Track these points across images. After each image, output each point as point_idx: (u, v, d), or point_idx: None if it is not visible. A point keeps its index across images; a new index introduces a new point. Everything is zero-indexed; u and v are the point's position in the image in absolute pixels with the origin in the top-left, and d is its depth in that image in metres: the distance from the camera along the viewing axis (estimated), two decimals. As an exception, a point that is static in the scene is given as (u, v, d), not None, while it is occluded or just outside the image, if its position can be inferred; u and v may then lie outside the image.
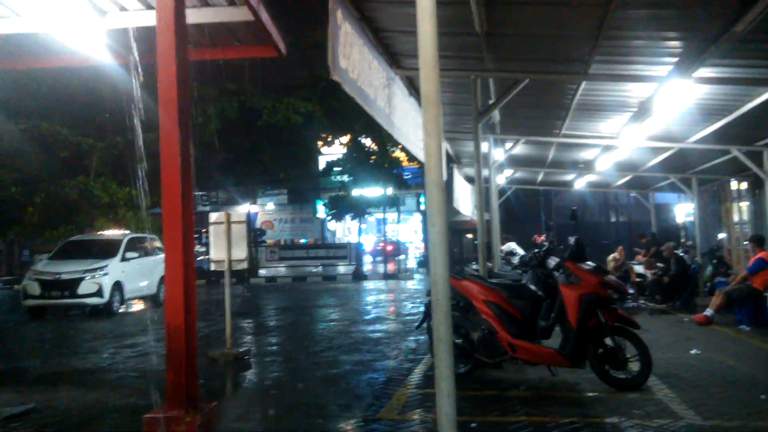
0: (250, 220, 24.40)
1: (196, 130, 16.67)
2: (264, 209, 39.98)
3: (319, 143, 31.50)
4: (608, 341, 5.78)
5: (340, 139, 28.05)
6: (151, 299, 15.49)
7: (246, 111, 23.31)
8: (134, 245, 15.26)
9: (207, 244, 11.48)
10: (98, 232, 17.87)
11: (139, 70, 5.13)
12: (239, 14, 7.07)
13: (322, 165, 31.04)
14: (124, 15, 6.83)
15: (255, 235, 28.13)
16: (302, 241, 40.04)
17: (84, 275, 13.38)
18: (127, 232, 17.03)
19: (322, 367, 7.41)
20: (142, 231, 17.68)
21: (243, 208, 32.32)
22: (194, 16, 6.03)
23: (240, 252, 8.26)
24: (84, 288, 13.32)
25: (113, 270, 13.92)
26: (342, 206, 26.67)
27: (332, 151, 30.49)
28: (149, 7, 7.15)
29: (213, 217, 8.40)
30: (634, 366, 5.75)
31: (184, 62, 4.57)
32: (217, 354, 7.77)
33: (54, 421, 5.14)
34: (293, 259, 30.84)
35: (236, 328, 9.95)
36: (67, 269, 13.50)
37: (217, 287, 18.05)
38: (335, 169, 26.94)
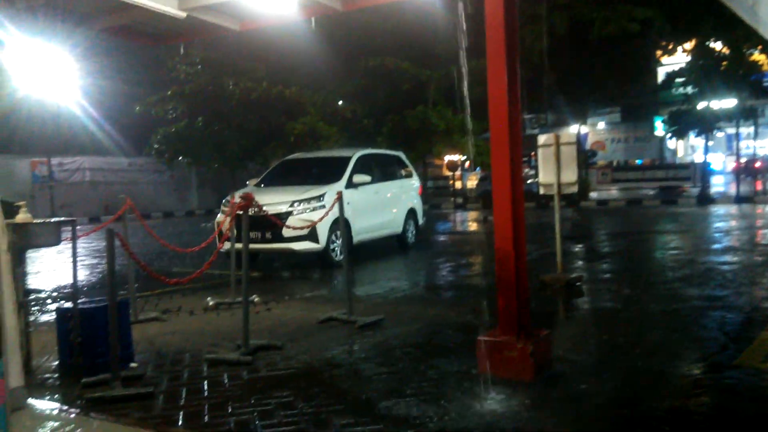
0: (580, 141, 23.51)
1: (523, 50, 16.39)
2: (595, 129, 38.14)
3: (658, 53, 28.35)
4: None
5: (684, 45, 24.80)
6: (397, 240, 11.72)
7: (576, 26, 22.04)
8: (369, 166, 11.01)
9: (536, 167, 11.17)
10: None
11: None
12: None
13: (660, 77, 28.07)
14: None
15: (585, 157, 27.08)
16: (637, 161, 37.34)
17: (291, 208, 9.16)
18: (461, 157, 17.62)
19: (663, 300, 6.74)
20: (475, 157, 18.27)
21: (573, 129, 31.26)
22: None
23: (570, 175, 7.86)
24: (291, 227, 8.72)
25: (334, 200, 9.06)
26: (685, 121, 23.82)
27: (673, 61, 27.21)
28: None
29: (541, 139, 8.12)
30: None
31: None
32: (548, 278, 7.65)
33: (399, 333, 5.63)
34: (627, 181, 29.00)
35: (566, 252, 9.68)
36: (271, 200, 9.06)
37: (547, 210, 17.94)
38: (677, 80, 24.01)
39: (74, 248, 5.01)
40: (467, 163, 29.83)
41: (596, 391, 4.02)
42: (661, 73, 27.95)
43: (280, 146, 22.53)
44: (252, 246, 8.37)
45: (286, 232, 9.00)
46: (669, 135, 27.30)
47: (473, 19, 5.54)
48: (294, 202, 9.34)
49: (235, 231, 8.67)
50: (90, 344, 4.59)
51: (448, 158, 27.00)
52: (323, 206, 9.35)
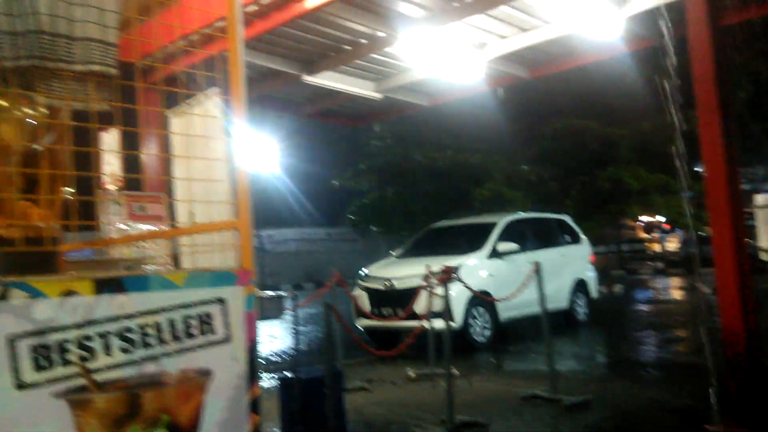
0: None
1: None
2: (818, 181, 33.65)
3: None
4: None
5: None
6: (564, 317, 10.40)
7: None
8: (521, 232, 10.07)
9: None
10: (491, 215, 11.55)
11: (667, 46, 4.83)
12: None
13: None
14: (642, -1, 6.65)
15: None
16: None
17: (422, 282, 7.55)
18: (659, 219, 16.46)
19: None
20: (676, 217, 16.97)
21: (789, 182, 27.89)
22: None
23: (796, 239, 7.03)
24: (422, 304, 7.65)
25: (473, 272, 8.73)
26: None
27: None
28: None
29: (760, 199, 7.37)
30: None
31: (717, 29, 4.11)
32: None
33: (611, 415, 5.29)
34: None
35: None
36: (405, 272, 8.77)
37: (765, 275, 15.97)
38: None
39: (295, 321, 5.45)
40: (666, 225, 27.80)
41: None
42: None
43: (466, 212, 22.83)
44: (384, 324, 8.66)
45: (419, 309, 7.80)
46: None
47: (669, 71, 5.30)
48: (425, 275, 7.73)
49: (368, 305, 9.06)
50: (308, 412, 4.89)
51: (644, 219, 25.40)
52: (458, 279, 8.24)
